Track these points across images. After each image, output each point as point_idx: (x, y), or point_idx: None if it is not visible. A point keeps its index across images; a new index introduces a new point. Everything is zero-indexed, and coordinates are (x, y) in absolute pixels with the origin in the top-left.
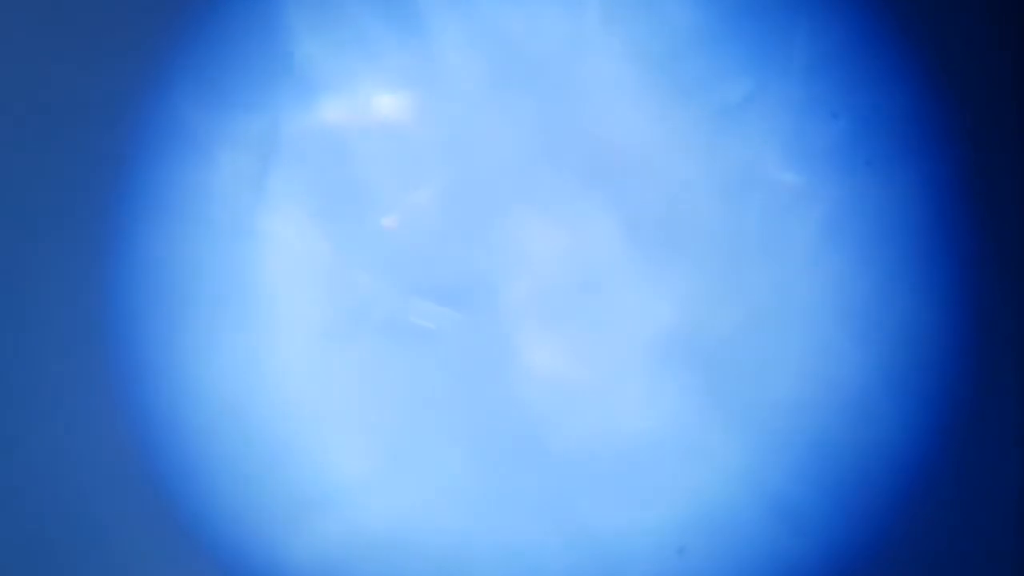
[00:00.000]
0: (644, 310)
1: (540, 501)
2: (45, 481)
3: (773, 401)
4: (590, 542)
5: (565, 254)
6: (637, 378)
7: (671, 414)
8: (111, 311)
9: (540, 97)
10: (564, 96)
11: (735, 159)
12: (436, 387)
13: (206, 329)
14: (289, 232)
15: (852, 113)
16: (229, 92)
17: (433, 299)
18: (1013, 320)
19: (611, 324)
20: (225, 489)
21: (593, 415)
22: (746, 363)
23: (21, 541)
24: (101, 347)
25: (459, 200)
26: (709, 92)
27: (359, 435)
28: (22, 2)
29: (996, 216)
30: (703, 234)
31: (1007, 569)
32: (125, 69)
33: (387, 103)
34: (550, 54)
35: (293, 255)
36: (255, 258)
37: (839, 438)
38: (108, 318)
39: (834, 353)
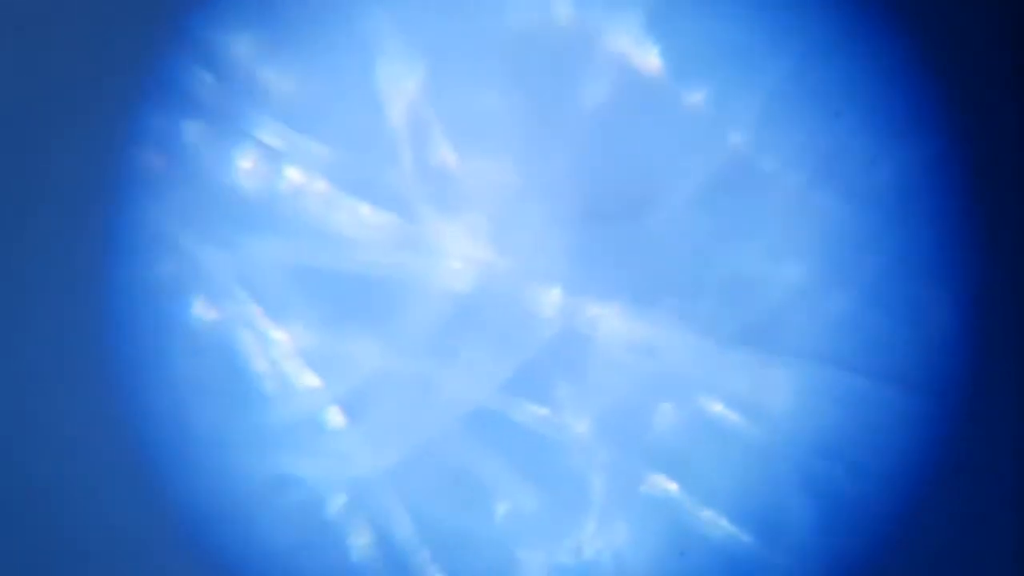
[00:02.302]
0: (382, 410)
1: (540, 505)
2: (42, 481)
3: (773, 402)
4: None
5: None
6: (634, 377)
7: (671, 415)
8: (109, 311)
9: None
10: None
11: (736, 157)
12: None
13: (205, 327)
14: (286, 229)
15: (856, 111)
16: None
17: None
18: (1015, 319)
19: (610, 329)
20: (225, 489)
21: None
22: (744, 362)
23: (18, 541)
24: (98, 347)
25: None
26: (708, 89)
27: (360, 430)
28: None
29: (999, 214)
30: (703, 231)
31: (1008, 570)
32: (123, 70)
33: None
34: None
35: (291, 252)
36: (254, 255)
37: (840, 439)
38: (106, 318)
39: (834, 352)
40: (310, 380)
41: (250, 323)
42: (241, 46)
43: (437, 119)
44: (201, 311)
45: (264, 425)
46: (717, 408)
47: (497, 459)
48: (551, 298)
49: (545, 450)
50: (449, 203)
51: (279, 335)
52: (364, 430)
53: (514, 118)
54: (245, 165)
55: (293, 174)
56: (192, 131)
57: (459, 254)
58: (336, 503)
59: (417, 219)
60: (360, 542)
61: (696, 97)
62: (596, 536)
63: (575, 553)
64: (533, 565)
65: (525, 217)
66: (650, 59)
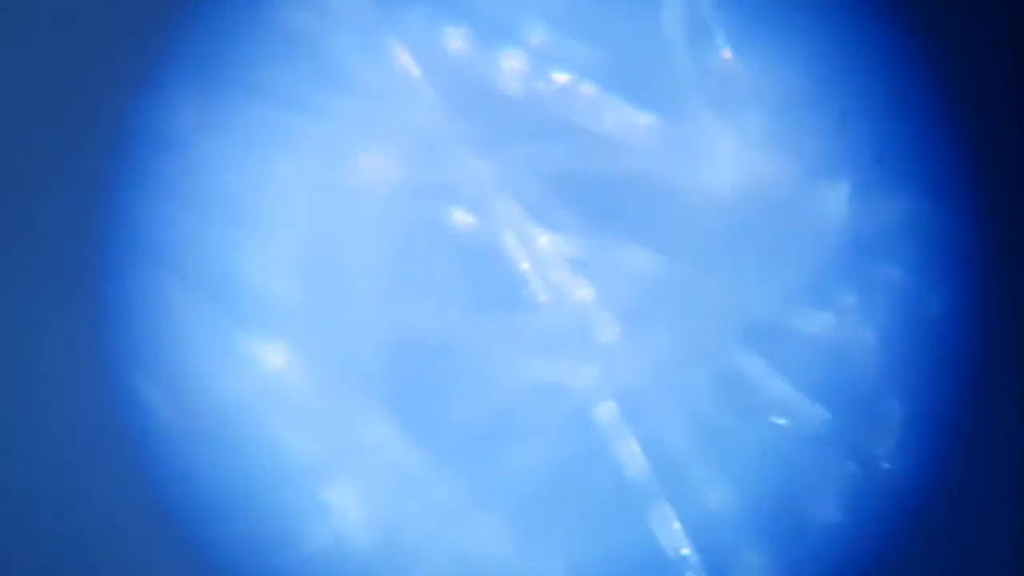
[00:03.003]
0: (653, 318)
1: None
2: (41, 481)
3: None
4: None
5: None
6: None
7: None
8: (107, 308)
9: None
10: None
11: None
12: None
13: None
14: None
15: (861, 111)
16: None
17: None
18: (1015, 319)
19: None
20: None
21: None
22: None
23: (17, 541)
24: (97, 345)
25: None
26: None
27: (631, 338)
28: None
29: (999, 214)
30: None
31: (1009, 570)
32: (120, 61)
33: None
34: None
35: (557, 155)
36: (520, 159)
37: (841, 441)
38: (104, 315)
39: (836, 353)
40: (577, 286)
41: (515, 227)
42: None
43: (714, 15)
44: (464, 216)
45: (530, 332)
46: None
47: (779, 369)
48: (837, 198)
49: (831, 360)
50: (726, 103)
51: (545, 240)
52: (635, 337)
53: (798, 13)
54: (511, 67)
55: (559, 76)
56: (457, 34)
57: (736, 156)
58: (605, 413)
59: (690, 121)
60: (630, 452)
61: None
62: (891, 452)
63: (868, 468)
64: (823, 480)
65: (806, 114)
66: None
